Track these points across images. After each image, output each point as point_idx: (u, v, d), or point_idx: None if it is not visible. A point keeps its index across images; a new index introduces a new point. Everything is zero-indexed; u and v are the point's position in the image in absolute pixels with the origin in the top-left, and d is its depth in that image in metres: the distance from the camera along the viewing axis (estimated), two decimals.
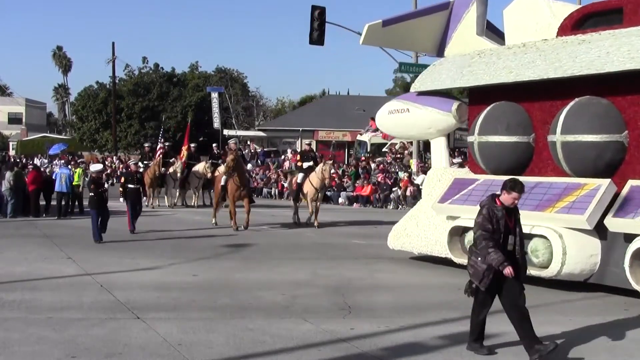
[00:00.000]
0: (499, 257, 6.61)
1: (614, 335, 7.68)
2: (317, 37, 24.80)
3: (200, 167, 24.66)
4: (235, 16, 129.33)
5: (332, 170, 20.20)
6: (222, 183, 18.09)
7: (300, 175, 18.78)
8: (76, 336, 7.40)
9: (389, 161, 30.81)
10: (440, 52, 13.70)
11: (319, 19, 24.59)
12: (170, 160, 25.48)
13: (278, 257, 13.24)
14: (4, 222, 18.85)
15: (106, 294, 9.54)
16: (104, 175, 15.55)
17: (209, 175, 23.48)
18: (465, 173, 12.49)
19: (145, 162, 25.59)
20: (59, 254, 13.18)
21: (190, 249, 13.96)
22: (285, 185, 29.66)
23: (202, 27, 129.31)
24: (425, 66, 28.03)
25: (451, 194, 11.76)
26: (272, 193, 32.49)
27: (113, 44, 53.08)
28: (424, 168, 26.98)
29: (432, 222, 12.31)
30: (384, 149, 33.42)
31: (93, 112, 56.35)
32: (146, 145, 27.32)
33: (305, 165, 18.98)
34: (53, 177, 20.89)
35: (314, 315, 8.43)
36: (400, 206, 25.66)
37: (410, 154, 29.26)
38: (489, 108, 11.65)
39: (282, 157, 39.94)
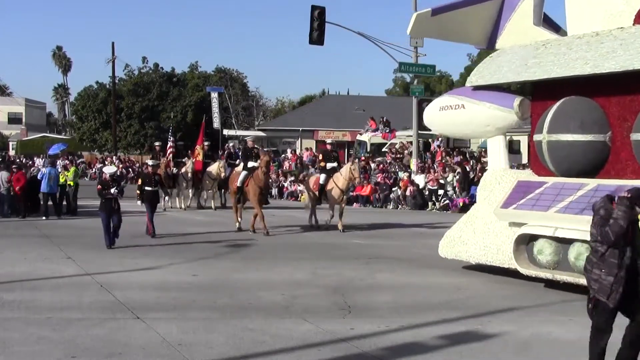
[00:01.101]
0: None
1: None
2: (317, 37, 24.78)
3: (214, 167, 23.59)
4: (235, 16, 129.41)
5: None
6: (239, 183, 17.18)
7: (322, 176, 17.93)
8: (76, 336, 7.40)
9: (389, 161, 30.80)
10: (490, 44, 12.72)
11: (318, 19, 24.57)
12: (182, 160, 24.59)
13: (278, 257, 13.23)
14: (4, 222, 18.85)
15: (106, 294, 9.54)
16: (112, 177, 14.37)
17: (223, 175, 22.79)
18: (528, 175, 11.38)
19: (146, 162, 24.51)
20: (59, 254, 13.17)
21: (190, 249, 13.95)
22: (300, 186, 29.51)
23: (202, 27, 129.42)
24: (425, 66, 28.13)
25: (515, 198, 10.66)
26: (273, 193, 32.48)
27: (113, 44, 53.19)
28: (424, 168, 27.03)
29: (491, 229, 11.21)
30: (384, 149, 33.42)
31: (93, 112, 56.35)
32: (157, 144, 25.97)
33: (329, 165, 18.06)
34: (39, 178, 20.68)
35: (314, 315, 8.43)
36: (400, 206, 25.66)
37: (410, 154, 29.25)
38: (559, 104, 10.53)
39: (282, 156, 39.92)
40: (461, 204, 24.15)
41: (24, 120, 77.82)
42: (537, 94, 11.52)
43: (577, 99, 10.46)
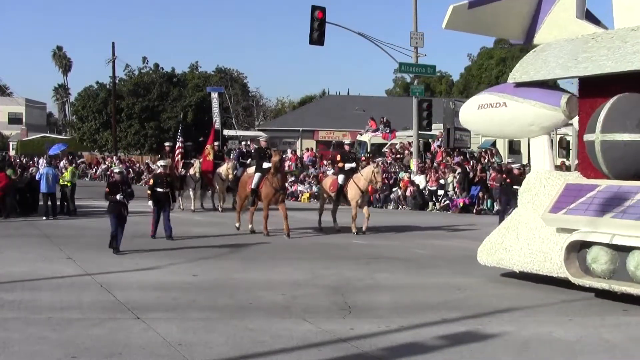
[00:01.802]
0: None
1: (613, 335, 7.68)
2: (317, 37, 24.78)
3: (224, 167, 22.83)
4: (235, 16, 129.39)
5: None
6: (253, 186, 16.58)
7: (341, 177, 17.27)
8: (76, 336, 7.40)
9: (389, 161, 30.79)
10: (528, 39, 12.11)
11: (319, 19, 24.57)
12: (191, 161, 23.77)
13: (278, 257, 13.23)
14: (4, 222, 18.85)
15: (106, 294, 9.54)
16: (122, 179, 13.92)
17: (231, 176, 22.12)
18: (577, 178, 10.69)
19: (157, 163, 24.04)
20: (59, 254, 13.17)
21: (190, 249, 13.95)
22: (300, 186, 29.45)
23: (202, 27, 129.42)
24: (425, 66, 28.12)
25: (565, 202, 9.99)
26: None
27: (113, 44, 53.17)
28: (424, 168, 27.02)
29: (537, 235, 10.46)
30: (384, 149, 33.42)
31: (93, 112, 56.36)
32: (166, 144, 25.15)
33: (347, 166, 17.45)
34: (37, 178, 20.68)
35: (314, 315, 8.43)
36: (400, 206, 25.66)
37: (411, 154, 29.25)
38: (613, 101, 9.90)
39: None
40: (461, 204, 24.17)
41: (24, 120, 77.85)
42: (585, 90, 10.83)
43: (633, 96, 9.83)
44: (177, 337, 7.39)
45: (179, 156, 23.55)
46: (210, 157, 23.63)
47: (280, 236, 16.09)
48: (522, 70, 11.34)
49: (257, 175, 16.73)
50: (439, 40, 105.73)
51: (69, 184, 21.06)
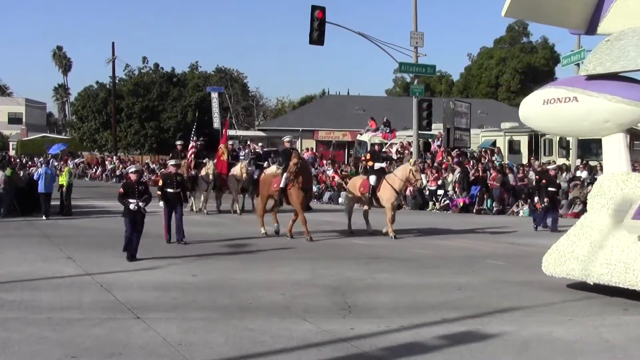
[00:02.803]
0: None
1: (613, 335, 7.68)
2: (317, 37, 24.78)
3: (236, 169, 22.15)
4: (235, 16, 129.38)
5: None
6: (282, 185, 15.89)
7: (372, 178, 16.55)
8: (76, 336, 7.41)
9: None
10: (590, 28, 11.19)
11: (319, 18, 24.57)
12: (203, 161, 22.50)
13: (278, 257, 13.23)
14: (4, 222, 18.85)
15: (106, 294, 9.54)
16: (138, 180, 13.22)
17: (245, 177, 21.64)
18: None
19: (167, 162, 21.69)
20: (59, 254, 13.17)
21: (190, 249, 13.95)
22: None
23: (202, 27, 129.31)
24: (425, 66, 28.11)
25: None
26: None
27: (113, 44, 53.23)
28: (423, 168, 27.00)
29: (615, 244, 9.50)
30: (384, 149, 33.41)
31: (93, 112, 56.36)
32: (178, 143, 23.88)
33: (377, 166, 16.79)
34: (35, 178, 20.67)
35: (314, 315, 8.43)
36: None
37: (411, 154, 29.25)
38: None
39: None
40: (461, 204, 24.18)
41: (24, 120, 77.87)
42: None
43: None
44: (177, 337, 7.39)
45: (192, 155, 22.49)
46: (225, 157, 22.73)
47: (281, 236, 16.08)
48: (596, 62, 10.27)
49: (285, 175, 16.00)
50: (439, 40, 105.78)
51: (65, 184, 21.07)
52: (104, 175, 46.97)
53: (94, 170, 49.05)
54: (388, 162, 17.18)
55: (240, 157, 26.45)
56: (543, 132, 22.50)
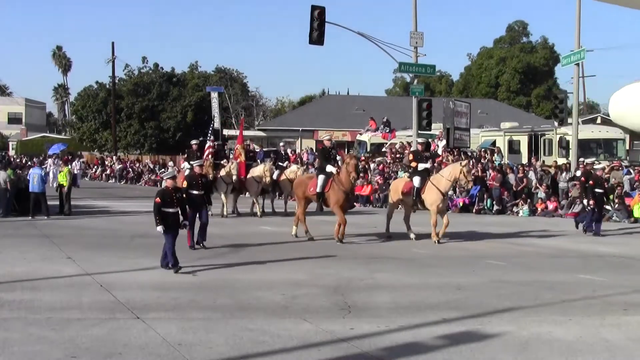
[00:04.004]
0: None
1: (613, 335, 7.68)
2: (317, 37, 24.76)
3: (259, 169, 21.37)
4: (235, 16, 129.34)
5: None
6: (319, 189, 15.23)
7: (417, 179, 15.69)
8: (76, 336, 7.40)
9: (389, 161, 30.80)
10: None
11: (318, 18, 24.55)
12: (222, 162, 21.72)
13: (278, 257, 13.22)
14: (4, 222, 18.85)
15: (106, 294, 9.54)
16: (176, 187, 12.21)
17: (268, 179, 20.89)
18: None
19: (191, 162, 20.29)
20: (59, 254, 13.17)
21: (190, 249, 13.93)
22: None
23: (202, 27, 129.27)
24: (425, 66, 28.06)
25: None
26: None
27: (113, 44, 53.26)
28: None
29: None
30: (384, 149, 33.43)
31: (93, 112, 56.40)
32: (193, 142, 22.37)
33: (421, 166, 15.89)
34: (28, 178, 20.64)
35: (314, 315, 8.43)
36: (400, 206, 25.60)
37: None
38: None
39: (271, 156, 39.77)
40: (461, 204, 24.18)
41: (24, 120, 77.86)
42: None
43: None
44: (177, 337, 7.39)
45: (210, 156, 21.40)
46: (242, 158, 21.78)
47: (281, 236, 16.07)
48: None
49: (321, 177, 15.33)
50: (439, 40, 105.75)
51: (65, 184, 21.06)
52: (103, 175, 47.01)
53: (94, 170, 49.07)
54: (432, 162, 16.29)
55: (264, 158, 26.00)
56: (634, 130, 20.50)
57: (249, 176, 21.37)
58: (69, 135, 67.02)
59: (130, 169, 45.08)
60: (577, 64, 26.58)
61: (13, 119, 77.81)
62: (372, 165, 30.39)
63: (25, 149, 61.92)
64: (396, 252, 13.97)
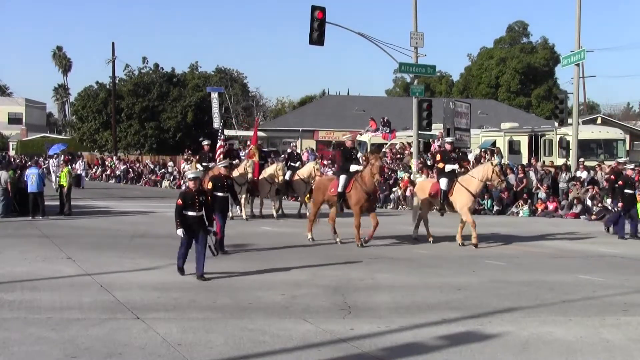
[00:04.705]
0: None
1: (613, 335, 7.68)
2: (317, 37, 24.74)
3: (271, 170, 20.99)
4: (236, 16, 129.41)
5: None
6: (340, 189, 14.84)
7: (444, 180, 15.22)
8: (76, 336, 7.41)
9: (389, 161, 30.79)
10: None
11: (319, 19, 24.56)
12: (234, 162, 20.65)
13: (278, 257, 13.22)
14: (4, 222, 18.84)
15: (106, 294, 9.54)
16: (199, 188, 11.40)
17: (281, 178, 20.52)
18: None
19: (204, 164, 20.66)
20: (59, 254, 13.17)
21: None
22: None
23: (202, 27, 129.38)
24: (425, 66, 28.02)
25: None
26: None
27: (113, 44, 53.19)
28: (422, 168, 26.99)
29: None
30: (384, 149, 33.40)
31: (93, 112, 56.34)
32: (205, 143, 21.81)
33: (449, 167, 15.40)
34: (25, 179, 20.68)
35: (314, 315, 8.43)
36: (400, 206, 25.66)
37: (411, 154, 29.24)
38: None
39: (282, 157, 39.85)
40: None
41: (24, 120, 77.92)
42: None
43: None
44: (177, 337, 7.39)
45: (221, 156, 21.02)
46: (256, 159, 21.35)
47: (281, 236, 16.07)
48: None
49: (343, 177, 14.92)
50: (439, 41, 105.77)
51: (65, 185, 21.05)
52: (104, 175, 46.98)
53: (94, 170, 49.05)
54: (460, 162, 15.74)
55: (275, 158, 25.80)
56: None
57: (261, 177, 21.02)
58: (69, 135, 67.00)
59: (130, 169, 45.06)
60: (577, 65, 26.59)
61: (13, 119, 77.87)
62: None
63: (25, 149, 61.94)
64: (396, 253, 13.97)
